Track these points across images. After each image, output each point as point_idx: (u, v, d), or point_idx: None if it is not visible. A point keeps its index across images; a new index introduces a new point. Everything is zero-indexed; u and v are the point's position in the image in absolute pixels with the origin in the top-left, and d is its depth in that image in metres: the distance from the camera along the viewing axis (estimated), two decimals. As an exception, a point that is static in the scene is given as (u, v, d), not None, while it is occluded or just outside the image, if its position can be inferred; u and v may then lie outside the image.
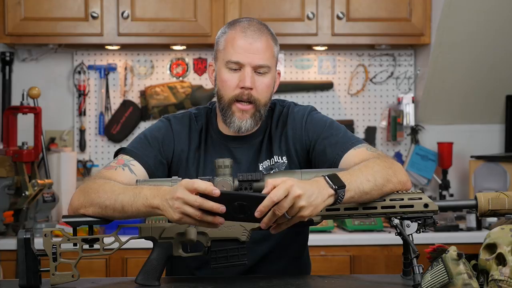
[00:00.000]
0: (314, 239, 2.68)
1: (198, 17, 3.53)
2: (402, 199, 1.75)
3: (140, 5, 3.53)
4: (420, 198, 1.75)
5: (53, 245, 1.74)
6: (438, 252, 1.62)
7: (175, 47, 3.74)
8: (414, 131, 3.88)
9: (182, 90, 3.79)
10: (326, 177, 1.66)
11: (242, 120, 1.95)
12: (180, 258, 1.79)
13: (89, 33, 3.52)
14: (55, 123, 3.80)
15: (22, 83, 3.68)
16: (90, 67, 3.81)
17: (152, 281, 1.75)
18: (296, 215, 1.61)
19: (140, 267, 1.78)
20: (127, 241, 1.78)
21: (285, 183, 1.58)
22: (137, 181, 1.81)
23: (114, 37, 3.54)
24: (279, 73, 2.05)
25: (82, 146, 3.79)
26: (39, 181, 3.22)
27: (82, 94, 3.78)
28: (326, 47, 3.79)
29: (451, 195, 3.82)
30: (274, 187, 1.58)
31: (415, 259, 1.69)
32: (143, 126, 3.80)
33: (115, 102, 3.83)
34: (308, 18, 3.56)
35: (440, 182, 3.83)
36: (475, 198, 1.77)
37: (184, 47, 3.74)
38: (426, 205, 1.75)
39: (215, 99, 2.02)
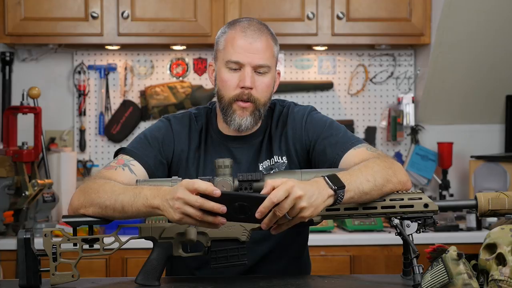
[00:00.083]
0: (314, 239, 2.68)
1: (198, 17, 3.53)
2: (402, 199, 1.75)
3: (140, 5, 3.53)
4: (420, 198, 1.75)
5: (53, 245, 1.74)
6: (438, 252, 1.62)
7: (175, 47, 3.74)
8: (414, 131, 3.88)
9: (182, 90, 3.79)
10: (326, 177, 1.66)
11: (242, 118, 1.95)
12: (180, 258, 1.79)
13: (89, 33, 3.52)
14: (55, 123, 3.80)
15: (22, 83, 3.68)
16: (90, 67, 3.81)
17: (152, 281, 1.75)
18: (297, 216, 1.61)
19: (140, 267, 1.78)
20: (127, 241, 1.78)
21: (285, 184, 1.58)
22: (137, 181, 1.81)
23: (114, 37, 3.54)
24: (279, 73, 2.05)
25: (82, 146, 3.79)
26: (39, 181, 3.22)
27: (82, 94, 3.78)
28: (326, 47, 3.79)
29: (451, 195, 3.82)
30: (274, 188, 1.58)
31: (415, 259, 1.69)
32: (143, 126, 3.80)
33: (115, 102, 3.83)
34: (308, 18, 3.56)
35: (440, 182, 3.83)
36: (475, 198, 1.77)
37: (184, 47, 3.74)
38: (426, 205, 1.75)
39: (215, 99, 2.02)
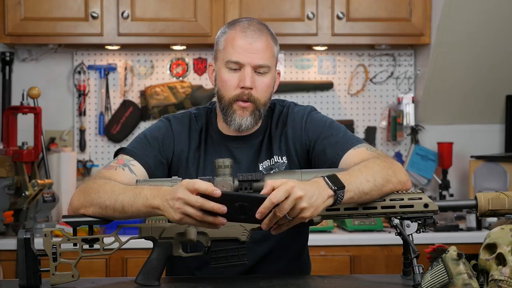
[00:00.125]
0: (314, 239, 2.68)
1: (198, 17, 3.53)
2: (402, 199, 1.75)
3: (140, 5, 3.53)
4: (420, 198, 1.75)
5: (53, 245, 1.74)
6: (438, 252, 1.62)
7: (175, 47, 3.74)
8: (414, 131, 3.88)
9: (182, 90, 3.79)
10: (326, 178, 1.66)
11: (243, 118, 1.95)
12: (180, 258, 1.79)
13: (89, 33, 3.52)
14: (55, 123, 3.80)
15: (22, 83, 3.68)
16: (90, 67, 3.81)
17: (152, 281, 1.75)
18: (297, 216, 1.61)
19: (140, 267, 1.78)
20: (127, 241, 1.78)
21: (285, 184, 1.58)
22: (137, 181, 1.81)
23: (114, 37, 3.54)
24: (279, 73, 2.05)
25: (82, 146, 3.79)
26: (39, 181, 3.22)
27: (82, 94, 3.78)
28: (326, 47, 3.79)
29: (451, 195, 3.82)
30: (273, 188, 1.58)
31: (415, 259, 1.69)
32: (143, 126, 3.80)
33: (115, 102, 3.83)
34: (308, 18, 3.56)
35: (440, 182, 3.83)
36: (475, 198, 1.77)
37: (184, 47, 3.74)
38: (426, 205, 1.75)
39: (215, 99, 2.02)
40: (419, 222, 1.75)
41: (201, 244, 1.78)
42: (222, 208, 1.59)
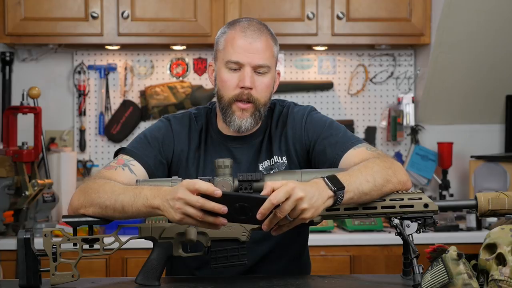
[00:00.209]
0: (314, 239, 2.68)
1: (198, 17, 3.53)
2: (402, 199, 1.75)
3: (140, 5, 3.53)
4: (420, 198, 1.75)
5: (53, 245, 1.74)
6: (438, 252, 1.62)
7: (175, 47, 3.74)
8: (414, 131, 3.88)
9: (182, 90, 3.79)
10: (325, 178, 1.65)
11: (242, 119, 1.95)
12: (180, 258, 1.79)
13: (89, 33, 3.52)
14: (55, 123, 3.80)
15: (22, 83, 3.68)
16: (90, 67, 3.81)
17: (152, 281, 1.75)
18: (298, 217, 1.61)
19: (140, 267, 1.78)
20: (127, 241, 1.78)
21: (285, 185, 1.58)
22: (137, 181, 1.81)
23: (114, 37, 3.54)
24: (278, 73, 2.05)
25: (82, 146, 3.79)
26: (39, 181, 3.22)
27: (82, 94, 3.78)
28: (326, 47, 3.79)
29: (451, 195, 3.82)
30: (273, 190, 1.58)
31: (415, 259, 1.69)
32: (143, 126, 3.80)
33: (115, 102, 3.83)
34: (308, 18, 3.56)
35: (440, 182, 3.83)
36: (475, 198, 1.77)
37: (184, 47, 3.74)
38: (426, 205, 1.75)
39: (215, 99, 2.02)
40: (419, 222, 1.75)
41: (201, 244, 1.78)
42: (223, 209, 1.59)
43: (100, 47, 3.74)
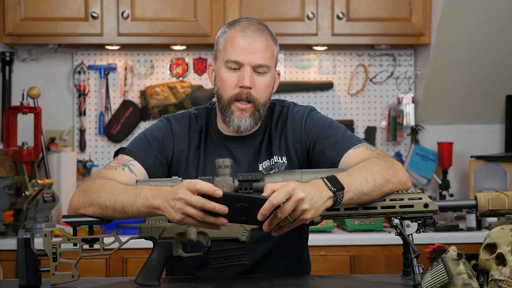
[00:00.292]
0: (314, 239, 2.68)
1: (198, 17, 3.53)
2: (402, 199, 1.75)
3: (140, 5, 3.53)
4: (420, 198, 1.75)
5: (53, 245, 1.74)
6: (438, 252, 1.62)
7: (175, 47, 3.74)
8: (414, 131, 3.88)
9: (182, 90, 3.79)
10: (325, 179, 1.66)
11: (241, 119, 1.95)
12: (180, 258, 1.79)
13: (89, 33, 3.52)
14: (55, 123, 3.80)
15: (22, 83, 3.69)
16: (90, 67, 3.81)
17: (152, 281, 1.75)
18: (299, 218, 1.61)
19: (140, 267, 1.78)
20: (127, 241, 1.78)
21: (286, 186, 1.58)
22: (137, 181, 1.81)
23: (114, 37, 3.54)
24: (278, 73, 2.05)
25: (82, 146, 3.79)
26: (39, 181, 3.22)
27: (82, 94, 3.78)
28: (326, 47, 3.79)
29: (451, 195, 3.82)
30: (273, 191, 1.58)
31: (415, 259, 1.69)
32: (143, 126, 3.80)
33: (115, 102, 3.83)
34: (308, 18, 3.56)
35: (440, 182, 3.83)
36: (475, 198, 1.77)
37: (184, 47, 3.74)
38: (426, 205, 1.75)
39: (215, 99, 2.02)
40: (419, 222, 1.75)
41: (201, 244, 1.78)
42: (224, 209, 1.58)
43: (100, 47, 3.74)
